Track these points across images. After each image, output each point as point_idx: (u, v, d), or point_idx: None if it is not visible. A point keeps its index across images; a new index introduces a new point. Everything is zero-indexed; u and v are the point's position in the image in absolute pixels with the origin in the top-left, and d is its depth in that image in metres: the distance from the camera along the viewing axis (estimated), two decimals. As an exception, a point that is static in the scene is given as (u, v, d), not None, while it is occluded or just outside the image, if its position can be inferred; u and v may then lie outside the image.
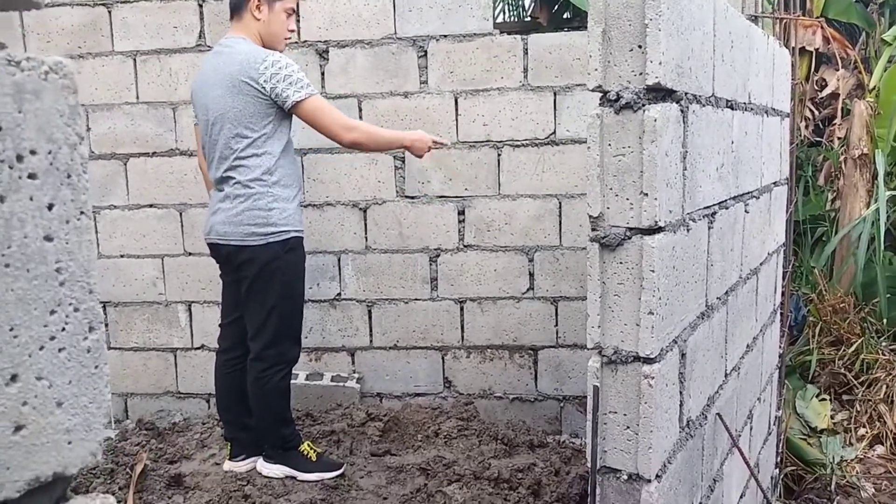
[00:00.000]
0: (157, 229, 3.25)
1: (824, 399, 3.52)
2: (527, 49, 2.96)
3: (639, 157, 1.21)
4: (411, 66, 3.03)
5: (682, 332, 1.43)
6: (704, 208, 1.50)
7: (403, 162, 3.09)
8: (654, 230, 1.22)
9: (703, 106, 1.39)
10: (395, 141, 2.51)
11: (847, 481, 2.99)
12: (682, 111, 1.28)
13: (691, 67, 1.30)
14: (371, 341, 3.23)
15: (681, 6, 1.23)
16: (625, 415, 1.31)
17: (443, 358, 3.20)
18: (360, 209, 3.15)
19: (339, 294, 3.21)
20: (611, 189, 1.24)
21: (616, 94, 1.20)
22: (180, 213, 3.23)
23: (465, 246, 3.12)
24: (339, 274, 3.19)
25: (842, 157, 4.06)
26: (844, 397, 3.55)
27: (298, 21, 3.02)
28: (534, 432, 3.05)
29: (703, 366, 1.59)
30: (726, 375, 1.85)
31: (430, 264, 3.14)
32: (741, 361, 2.02)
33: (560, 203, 3.03)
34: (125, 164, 3.22)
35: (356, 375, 3.21)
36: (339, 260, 3.19)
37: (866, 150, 3.81)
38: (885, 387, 3.38)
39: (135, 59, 3.15)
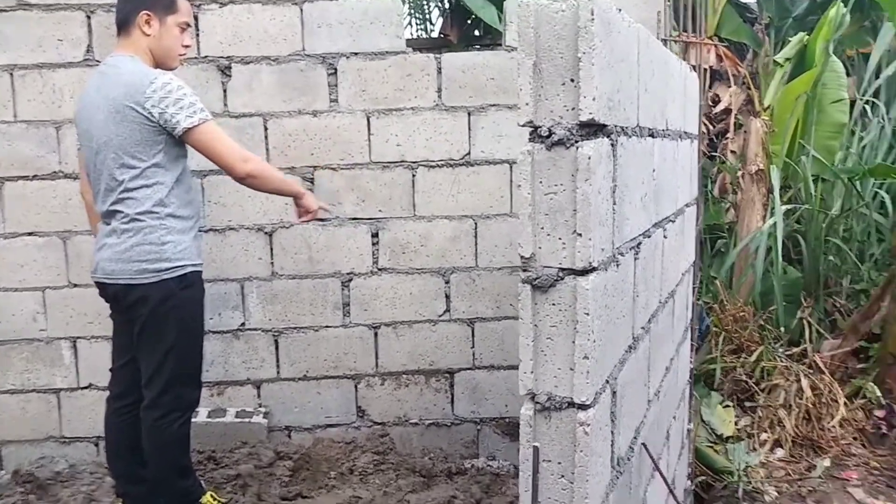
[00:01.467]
0: (38, 259, 2.96)
1: (728, 406, 3.63)
2: (440, 68, 2.90)
3: (571, 195, 1.15)
4: (321, 84, 2.89)
5: (613, 370, 1.39)
6: (630, 240, 1.46)
7: (313, 182, 2.94)
8: (587, 271, 1.16)
9: (630, 137, 1.36)
10: (289, 186, 2.40)
11: (753, 487, 3.08)
12: (612, 145, 1.24)
13: (620, 100, 1.25)
14: (278, 372, 3.06)
15: (612, 39, 1.18)
16: (559, 463, 1.24)
17: (356, 386, 3.07)
18: (266, 233, 2.98)
19: (242, 324, 3.02)
20: (542, 228, 1.18)
21: (548, 131, 1.14)
22: (64, 242, 2.95)
23: (379, 269, 3.01)
24: (243, 303, 3.01)
25: (739, 173, 4.24)
26: (747, 404, 3.68)
27: (198, 35, 2.84)
28: (451, 459, 2.97)
29: (631, 400, 1.56)
30: (649, 403, 1.83)
31: (343, 289, 3.01)
32: (661, 385, 2.02)
33: (476, 224, 2.98)
34: (0, 189, 2.91)
35: (263, 410, 3.03)
36: (242, 288, 3.00)
37: (762, 166, 3.98)
38: (783, 392, 3.52)
39: (12, 74, 2.86)
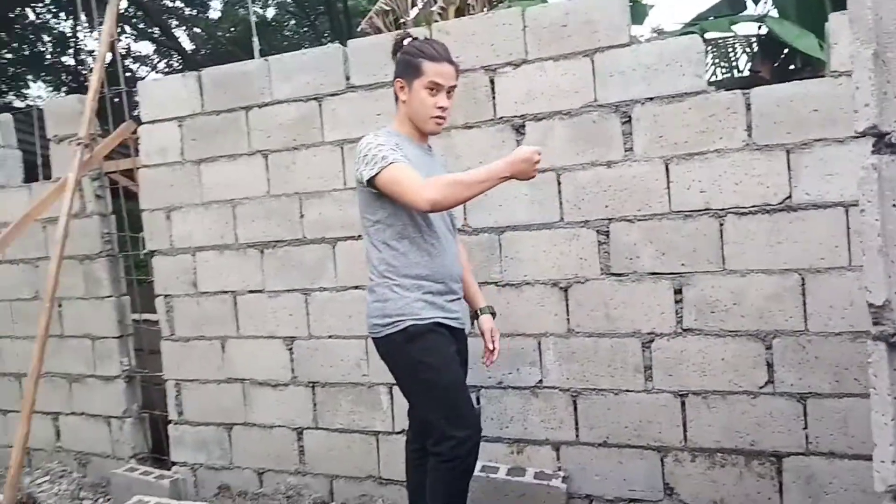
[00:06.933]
0: (362, 310, 3.27)
1: None
2: (749, 105, 2.55)
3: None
4: (614, 134, 2.76)
5: None
6: None
7: (608, 236, 2.79)
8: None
9: None
10: (487, 179, 2.04)
11: None
12: None
13: None
14: (577, 436, 2.91)
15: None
16: None
17: (662, 460, 2.78)
18: (561, 288, 2.90)
19: (540, 381, 2.96)
20: None
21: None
22: (382, 296, 3.23)
23: (683, 330, 2.71)
24: (540, 359, 2.95)
25: None
26: None
27: (494, 99, 2.93)
28: (780, 558, 2.50)
29: None
30: None
31: (643, 350, 2.78)
32: None
33: (803, 279, 2.52)
34: (333, 248, 3.32)
35: (561, 473, 2.90)
36: (539, 344, 2.95)
37: None
38: None
39: (342, 148, 3.26)
